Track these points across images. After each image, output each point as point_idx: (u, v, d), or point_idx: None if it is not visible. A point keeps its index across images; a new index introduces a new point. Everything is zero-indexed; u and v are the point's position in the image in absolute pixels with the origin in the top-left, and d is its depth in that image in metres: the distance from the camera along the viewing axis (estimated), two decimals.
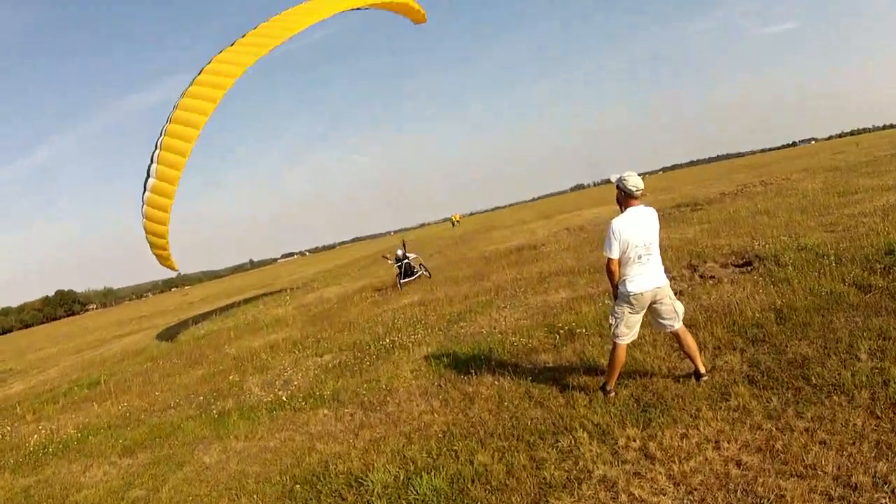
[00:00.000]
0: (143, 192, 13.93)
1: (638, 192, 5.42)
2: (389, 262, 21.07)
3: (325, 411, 7.70)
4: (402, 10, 17.66)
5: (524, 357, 7.60)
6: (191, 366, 13.84)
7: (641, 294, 5.41)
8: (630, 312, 5.52)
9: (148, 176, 13.75)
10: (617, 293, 5.62)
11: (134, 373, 14.94)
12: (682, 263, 10.74)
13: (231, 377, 11.15)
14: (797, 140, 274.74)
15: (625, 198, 5.49)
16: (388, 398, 7.49)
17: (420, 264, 20.09)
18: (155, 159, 13.37)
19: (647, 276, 5.43)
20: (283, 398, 8.67)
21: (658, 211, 5.78)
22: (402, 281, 18.89)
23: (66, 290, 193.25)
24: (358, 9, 16.29)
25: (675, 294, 5.80)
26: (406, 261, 19.41)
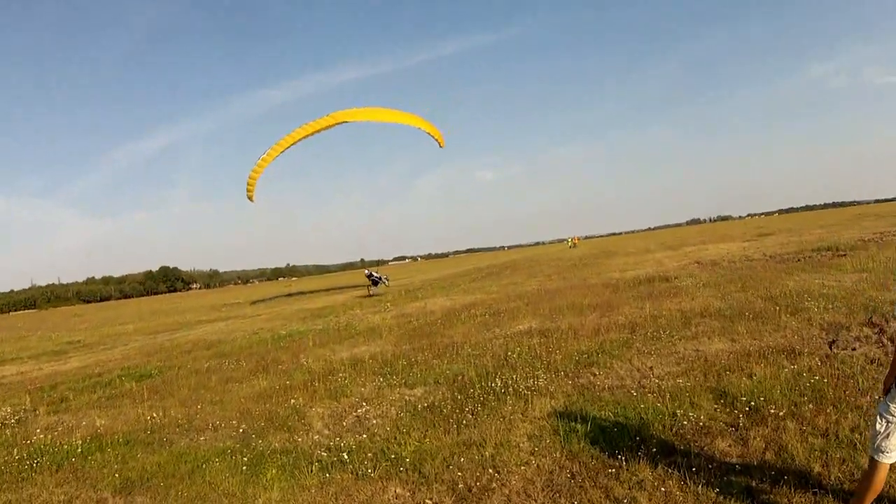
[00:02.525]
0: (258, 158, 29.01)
1: None
2: (366, 275, 34.58)
3: (399, 489, 5.61)
4: (432, 134, 29.62)
5: (693, 441, 5.74)
6: (256, 373, 12.40)
7: None
8: None
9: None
10: (891, 382, 3.76)
11: (193, 370, 13.91)
12: (857, 319, 9.79)
13: (294, 399, 9.41)
14: None
15: None
16: (494, 483, 5.52)
17: (384, 277, 34.87)
18: (266, 150, 28.71)
19: None
20: (346, 453, 6.66)
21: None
22: (371, 290, 33.37)
23: (172, 266, 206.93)
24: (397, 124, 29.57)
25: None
26: (373, 277, 33.84)
